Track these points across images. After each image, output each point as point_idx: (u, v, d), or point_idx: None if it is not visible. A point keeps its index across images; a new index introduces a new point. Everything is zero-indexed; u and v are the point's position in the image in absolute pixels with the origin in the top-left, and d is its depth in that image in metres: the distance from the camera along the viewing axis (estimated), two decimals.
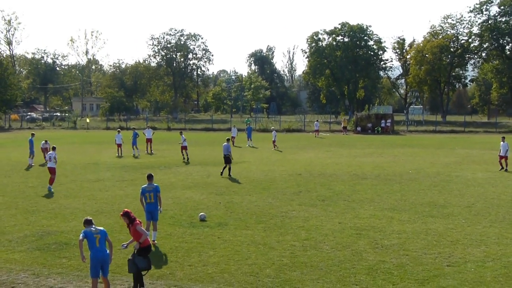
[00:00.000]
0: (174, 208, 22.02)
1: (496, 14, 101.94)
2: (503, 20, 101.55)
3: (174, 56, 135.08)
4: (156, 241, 16.89)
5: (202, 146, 53.98)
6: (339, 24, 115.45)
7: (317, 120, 78.40)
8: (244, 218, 20.41)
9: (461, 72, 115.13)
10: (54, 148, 29.70)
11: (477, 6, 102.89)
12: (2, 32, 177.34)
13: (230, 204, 23.04)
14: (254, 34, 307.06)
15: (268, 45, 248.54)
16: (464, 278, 13.63)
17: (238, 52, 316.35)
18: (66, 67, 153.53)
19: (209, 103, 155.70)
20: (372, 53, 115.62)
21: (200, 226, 19.14)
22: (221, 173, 32.29)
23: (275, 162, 39.21)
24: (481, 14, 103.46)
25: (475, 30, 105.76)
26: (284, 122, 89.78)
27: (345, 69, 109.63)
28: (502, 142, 34.17)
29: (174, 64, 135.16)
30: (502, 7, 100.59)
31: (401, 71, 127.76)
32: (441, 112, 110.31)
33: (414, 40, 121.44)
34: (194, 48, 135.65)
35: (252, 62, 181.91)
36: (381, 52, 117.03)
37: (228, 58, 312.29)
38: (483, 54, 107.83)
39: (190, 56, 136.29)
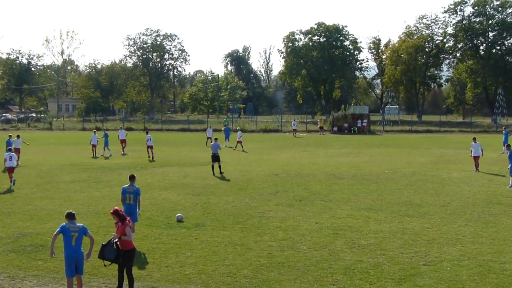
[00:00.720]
0: (151, 209, 21.94)
1: (470, 15, 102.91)
2: (477, 20, 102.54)
3: (150, 56, 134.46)
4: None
5: (179, 146, 53.84)
6: (315, 24, 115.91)
7: (294, 120, 78.59)
8: (221, 218, 20.38)
9: (436, 72, 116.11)
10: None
11: (452, 6, 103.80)
12: None
13: (207, 205, 23.00)
14: (231, 34, 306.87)
15: (245, 45, 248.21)
16: (440, 277, 13.72)
17: (214, 52, 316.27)
18: (41, 68, 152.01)
19: (186, 104, 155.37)
20: (348, 53, 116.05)
21: (177, 227, 19.08)
22: (213, 173, 32.65)
23: (252, 162, 39.23)
24: (455, 15, 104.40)
25: (450, 30, 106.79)
26: (261, 122, 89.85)
27: (321, 69, 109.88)
28: (473, 143, 34.23)
29: (151, 65, 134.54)
30: (476, 8, 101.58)
31: (377, 71, 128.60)
32: (416, 112, 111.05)
33: (389, 40, 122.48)
34: (170, 48, 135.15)
35: (229, 62, 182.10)
36: (357, 52, 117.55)
37: (204, 59, 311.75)
38: (458, 54, 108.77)
39: (166, 56, 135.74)
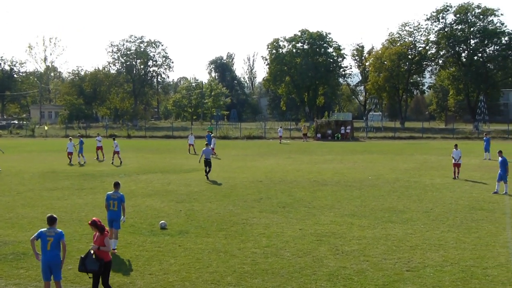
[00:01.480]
0: (135, 216, 21.85)
1: (452, 22, 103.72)
2: (459, 28, 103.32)
3: (134, 63, 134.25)
4: (116, 250, 16.73)
5: (163, 153, 53.69)
6: (299, 31, 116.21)
7: (280, 127, 78.84)
8: (205, 225, 20.35)
9: (418, 79, 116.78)
10: None
11: (434, 14, 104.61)
12: None
13: (190, 212, 22.95)
14: (215, 41, 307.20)
15: (229, 52, 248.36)
16: (423, 283, 13.79)
17: (198, 59, 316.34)
18: (24, 74, 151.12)
19: (170, 111, 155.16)
20: (331, 60, 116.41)
21: (160, 234, 19.03)
22: (207, 177, 33.40)
23: (236, 169, 39.21)
24: (437, 22, 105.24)
25: (432, 37, 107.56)
26: (245, 129, 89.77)
27: (305, 76, 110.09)
28: (454, 150, 34.26)
29: (134, 71, 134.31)
30: (457, 15, 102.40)
31: (360, 78, 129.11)
32: (399, 119, 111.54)
33: (372, 48, 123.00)
34: (154, 55, 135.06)
35: (213, 69, 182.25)
36: (341, 59, 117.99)
37: (188, 65, 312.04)
38: (440, 61, 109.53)
39: (150, 63, 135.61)
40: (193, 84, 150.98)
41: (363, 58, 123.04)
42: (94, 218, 12.78)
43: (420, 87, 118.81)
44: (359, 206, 24.09)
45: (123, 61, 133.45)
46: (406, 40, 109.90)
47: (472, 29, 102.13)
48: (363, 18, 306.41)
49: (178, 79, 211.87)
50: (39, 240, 12.49)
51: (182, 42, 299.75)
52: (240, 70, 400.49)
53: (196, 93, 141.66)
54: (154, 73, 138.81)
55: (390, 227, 19.92)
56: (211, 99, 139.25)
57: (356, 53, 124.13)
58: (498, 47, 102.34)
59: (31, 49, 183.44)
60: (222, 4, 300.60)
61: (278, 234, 18.89)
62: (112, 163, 43.29)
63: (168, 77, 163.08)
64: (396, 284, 13.75)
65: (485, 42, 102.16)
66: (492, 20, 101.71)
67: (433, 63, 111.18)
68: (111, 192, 17.35)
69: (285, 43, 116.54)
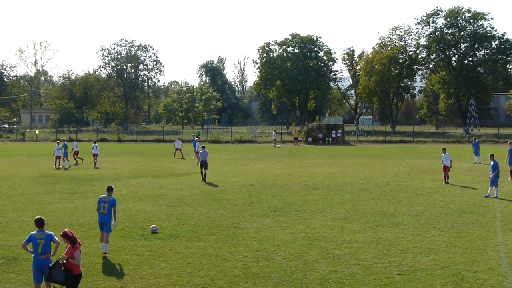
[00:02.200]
0: (125, 221, 21.79)
1: (443, 26, 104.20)
2: (449, 32, 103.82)
3: (124, 67, 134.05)
4: (107, 254, 16.68)
5: (153, 157, 53.61)
6: (290, 35, 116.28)
7: (274, 131, 79.00)
8: (196, 229, 20.32)
9: (409, 83, 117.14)
10: None
11: (424, 18, 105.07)
12: None
13: (181, 216, 22.91)
14: (205, 45, 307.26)
15: (219, 56, 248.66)
16: (414, 286, 13.81)
17: (189, 63, 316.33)
18: (14, 78, 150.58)
19: (160, 114, 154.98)
20: (322, 64, 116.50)
21: (151, 238, 18.98)
22: (203, 179, 34.55)
23: (226, 173, 39.18)
24: (428, 26, 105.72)
25: (423, 41, 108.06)
26: (236, 133, 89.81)
27: (296, 80, 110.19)
28: (443, 154, 34.07)
29: (125, 75, 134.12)
30: (448, 20, 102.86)
31: (351, 82, 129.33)
32: (390, 123, 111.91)
33: (363, 51, 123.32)
34: (145, 59, 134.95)
35: (203, 73, 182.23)
36: (331, 63, 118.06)
37: (179, 69, 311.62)
38: (431, 65, 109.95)
39: (141, 67, 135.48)
40: (184, 88, 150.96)
41: (353, 62, 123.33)
42: (65, 230, 12.41)
43: (411, 91, 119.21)
44: (350, 210, 24.11)
45: (114, 65, 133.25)
46: (397, 44, 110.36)
47: (462, 33, 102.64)
48: (354, 22, 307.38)
49: (169, 83, 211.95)
50: (30, 243, 12.57)
51: (173, 46, 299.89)
52: (231, 74, 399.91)
53: (187, 97, 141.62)
54: (145, 77, 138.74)
55: (381, 230, 19.95)
56: (202, 103, 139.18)
57: (346, 57, 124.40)
58: (488, 51, 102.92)
59: (22, 53, 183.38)
60: (213, 8, 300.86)
61: (269, 238, 18.88)
62: (95, 165, 44.28)
63: (159, 81, 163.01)
64: (387, 287, 13.77)
65: (476, 46, 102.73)
66: (482, 24, 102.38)
67: (423, 67, 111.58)
68: (104, 195, 17.32)
69: (276, 47, 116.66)
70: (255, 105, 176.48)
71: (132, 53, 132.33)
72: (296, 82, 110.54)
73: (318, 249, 17.44)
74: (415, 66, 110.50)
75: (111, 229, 17.17)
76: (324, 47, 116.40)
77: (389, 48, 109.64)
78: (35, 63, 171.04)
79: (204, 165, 35.27)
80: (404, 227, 20.55)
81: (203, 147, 38.40)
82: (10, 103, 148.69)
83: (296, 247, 17.64)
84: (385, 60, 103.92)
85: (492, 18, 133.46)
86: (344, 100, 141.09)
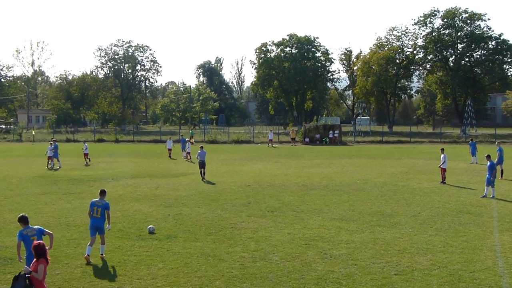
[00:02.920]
0: (123, 221, 21.77)
1: (440, 27, 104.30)
2: (446, 32, 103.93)
3: (122, 67, 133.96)
4: (104, 255, 16.63)
5: (151, 158, 53.60)
6: (287, 35, 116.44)
7: (270, 131, 79.09)
8: (193, 230, 20.31)
9: (406, 83, 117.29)
10: None
11: (421, 18, 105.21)
12: None
13: (179, 216, 22.90)
14: (203, 45, 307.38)
15: (217, 57, 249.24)
16: (411, 286, 13.81)
17: (186, 64, 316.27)
18: (11, 79, 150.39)
19: (158, 115, 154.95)
20: (319, 64, 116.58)
21: (149, 239, 18.96)
22: (202, 178, 35.41)
23: (224, 173, 39.18)
24: (425, 27, 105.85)
25: (420, 42, 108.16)
26: (233, 133, 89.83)
27: (293, 80, 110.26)
28: (442, 154, 34.05)
29: (122, 76, 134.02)
30: (445, 20, 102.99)
31: (348, 82, 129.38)
32: (387, 123, 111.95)
33: (360, 52, 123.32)
34: (142, 59, 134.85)
35: (201, 73, 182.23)
36: (329, 63, 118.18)
37: (176, 70, 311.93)
38: (428, 66, 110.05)
39: (138, 67, 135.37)
40: (181, 88, 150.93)
41: (351, 62, 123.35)
42: (37, 242, 11.77)
43: (408, 91, 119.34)
44: (347, 210, 24.11)
45: (111, 65, 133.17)
46: (394, 44, 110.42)
47: (459, 33, 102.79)
48: (351, 23, 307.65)
49: (166, 83, 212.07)
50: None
51: (170, 46, 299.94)
52: (228, 74, 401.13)
53: (184, 98, 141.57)
54: (142, 78, 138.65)
55: (378, 231, 19.95)
56: (199, 104, 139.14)
57: (344, 57, 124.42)
58: (485, 52, 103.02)
59: (19, 53, 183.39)
60: (210, 8, 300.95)
61: (266, 238, 18.88)
62: (87, 163, 45.78)
63: (156, 81, 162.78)
64: (385, 287, 13.78)
65: (473, 47, 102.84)
66: (479, 24, 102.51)
67: (420, 68, 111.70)
68: (96, 199, 17.03)
69: (273, 48, 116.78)
70: (253, 106, 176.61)
71: (130, 54, 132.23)
72: (293, 83, 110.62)
73: (315, 249, 17.44)
74: (412, 67, 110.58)
75: (104, 231, 16.82)
76: (321, 48, 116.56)
77: (386, 48, 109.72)
78: (32, 64, 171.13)
79: (202, 165, 35.91)
80: (401, 227, 20.56)
81: (201, 147, 38.74)
82: (7, 103, 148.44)
83: (294, 247, 17.64)
84: (382, 60, 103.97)
85: (489, 19, 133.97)
86: (341, 101, 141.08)
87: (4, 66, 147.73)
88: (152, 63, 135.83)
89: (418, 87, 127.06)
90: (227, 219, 22.30)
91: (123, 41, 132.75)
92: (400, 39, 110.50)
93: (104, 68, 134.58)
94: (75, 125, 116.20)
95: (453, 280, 14.28)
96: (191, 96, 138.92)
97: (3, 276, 15.07)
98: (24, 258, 12.88)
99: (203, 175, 35.83)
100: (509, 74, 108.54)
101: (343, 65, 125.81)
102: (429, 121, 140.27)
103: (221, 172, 40.19)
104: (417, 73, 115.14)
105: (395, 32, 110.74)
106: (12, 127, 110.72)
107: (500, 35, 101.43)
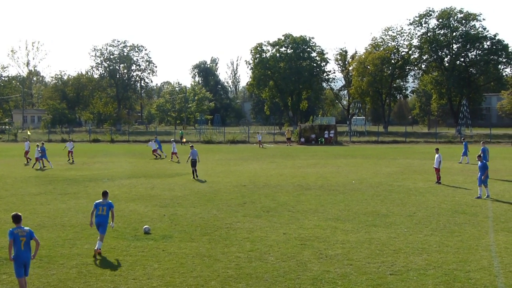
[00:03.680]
0: (118, 221, 21.72)
1: (435, 27, 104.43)
2: (442, 32, 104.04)
3: (117, 67, 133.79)
4: (100, 250, 16.83)
5: (146, 158, 53.51)
6: (283, 35, 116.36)
7: (258, 133, 79.23)
8: (188, 230, 20.30)
9: (402, 83, 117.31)
10: None
11: (417, 19, 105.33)
12: None
13: (174, 216, 22.89)
14: (198, 45, 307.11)
15: (212, 57, 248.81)
16: (406, 286, 13.83)
17: (182, 64, 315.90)
18: (6, 79, 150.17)
19: (153, 115, 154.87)
20: (315, 64, 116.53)
21: (144, 239, 18.95)
22: (193, 177, 36.10)
23: (219, 173, 39.17)
24: (420, 27, 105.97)
25: (415, 42, 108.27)
26: (228, 133, 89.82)
27: (289, 80, 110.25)
28: (436, 154, 34.05)
29: (117, 76, 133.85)
30: (440, 20, 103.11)
31: (344, 82, 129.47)
32: (383, 123, 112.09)
33: (356, 52, 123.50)
34: (137, 59, 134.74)
35: (196, 73, 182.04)
36: (324, 63, 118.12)
37: (171, 70, 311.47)
38: (423, 66, 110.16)
39: (133, 67, 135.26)
40: (177, 88, 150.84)
41: (346, 62, 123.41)
42: None
43: (403, 91, 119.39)
44: (343, 210, 24.13)
45: (106, 65, 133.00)
46: (389, 44, 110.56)
47: (454, 33, 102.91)
48: (347, 23, 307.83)
49: (161, 83, 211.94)
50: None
51: (166, 46, 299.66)
52: (223, 74, 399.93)
53: (179, 98, 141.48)
54: (137, 78, 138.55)
55: (373, 231, 19.97)
56: (194, 104, 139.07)
57: (339, 57, 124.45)
58: (480, 52, 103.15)
59: (14, 53, 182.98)
60: (206, 8, 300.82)
61: (262, 239, 18.88)
62: (71, 161, 46.79)
63: (151, 81, 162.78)
64: (380, 287, 13.79)
65: (468, 47, 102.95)
66: (474, 25, 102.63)
67: (416, 68, 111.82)
68: (100, 200, 17.49)
69: (269, 48, 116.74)
70: (248, 106, 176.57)
71: (125, 54, 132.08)
72: (288, 83, 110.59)
73: (311, 249, 17.45)
74: (407, 67, 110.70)
75: (105, 231, 17.22)
76: (316, 48, 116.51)
77: (381, 48, 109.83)
78: (27, 64, 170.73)
79: (194, 163, 36.65)
80: (397, 227, 20.59)
81: (192, 146, 39.34)
82: (2, 103, 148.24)
83: (289, 248, 17.65)
84: (378, 60, 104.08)
85: (484, 19, 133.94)
86: (336, 101, 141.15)
87: None
88: (147, 63, 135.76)
89: (413, 87, 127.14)
90: (222, 219, 22.30)
91: (119, 41, 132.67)
92: (396, 39, 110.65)
93: (99, 68, 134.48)
94: (71, 125, 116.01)
95: (448, 280, 14.31)
96: (187, 96, 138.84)
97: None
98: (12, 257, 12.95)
99: (195, 173, 36.33)
100: (504, 74, 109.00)
101: (339, 65, 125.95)
102: (424, 121, 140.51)
103: (216, 172, 40.18)
104: (412, 73, 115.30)
105: (390, 32, 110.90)
106: (7, 127, 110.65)
107: (495, 35, 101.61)
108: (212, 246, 17.97)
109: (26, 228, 12.93)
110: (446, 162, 35.64)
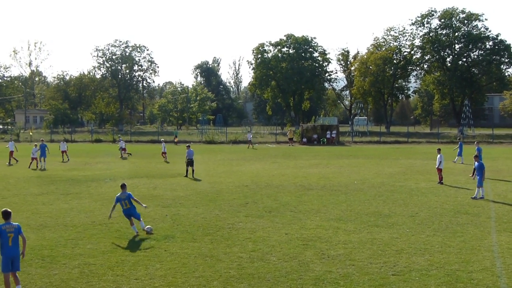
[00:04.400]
0: (120, 221, 21.72)
1: (437, 27, 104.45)
2: (444, 32, 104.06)
3: (119, 67, 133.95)
4: (145, 228, 19.65)
5: (148, 158, 53.52)
6: (285, 35, 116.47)
7: (249, 132, 79.17)
8: (191, 230, 20.28)
9: (404, 83, 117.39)
10: None
11: (419, 19, 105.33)
12: None
13: (176, 217, 22.88)
14: (200, 45, 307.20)
15: (214, 57, 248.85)
16: (409, 287, 13.80)
17: (184, 64, 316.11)
18: (8, 79, 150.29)
19: (155, 115, 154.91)
20: (317, 64, 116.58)
21: (146, 239, 18.95)
22: (186, 175, 36.94)
23: (221, 173, 39.16)
24: (422, 27, 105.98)
25: (417, 42, 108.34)
26: (230, 133, 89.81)
27: (291, 80, 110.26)
28: (438, 155, 33.96)
29: (119, 76, 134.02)
30: (442, 20, 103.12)
31: (346, 82, 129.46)
32: (385, 123, 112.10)
33: (358, 52, 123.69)
34: (139, 59, 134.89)
35: (198, 73, 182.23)
36: (326, 63, 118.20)
37: (173, 70, 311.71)
38: (425, 66, 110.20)
39: (135, 67, 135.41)
40: (179, 88, 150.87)
41: (348, 62, 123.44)
42: None
43: (405, 91, 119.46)
44: (345, 211, 24.10)
45: (108, 65, 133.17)
46: (391, 44, 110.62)
47: (456, 34, 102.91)
48: (349, 23, 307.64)
49: (163, 83, 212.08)
50: None
51: (168, 46, 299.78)
52: (225, 74, 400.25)
53: (181, 98, 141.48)
54: (139, 78, 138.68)
55: (375, 231, 19.94)
56: (196, 104, 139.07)
57: (341, 57, 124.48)
58: (482, 52, 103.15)
59: (16, 53, 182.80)
60: (208, 9, 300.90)
61: (264, 239, 18.86)
62: (66, 160, 47.92)
63: (153, 81, 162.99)
64: None
65: (470, 47, 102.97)
66: (477, 25, 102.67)
67: (418, 68, 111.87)
68: (119, 193, 19.76)
69: (271, 48, 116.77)
70: (250, 106, 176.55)
71: (127, 54, 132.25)
72: (290, 83, 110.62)
73: (313, 249, 17.43)
74: (409, 67, 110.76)
75: (139, 215, 19.72)
76: (318, 48, 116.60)
77: (383, 48, 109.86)
78: (30, 64, 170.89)
79: (190, 163, 37.09)
80: (399, 227, 20.56)
81: (188, 146, 39.81)
82: (4, 103, 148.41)
83: (291, 248, 17.63)
84: (380, 60, 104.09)
85: (486, 19, 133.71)
86: (338, 101, 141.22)
87: (1, 67, 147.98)
88: (149, 63, 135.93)
89: (415, 87, 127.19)
90: (224, 219, 22.29)
91: (121, 42, 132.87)
92: (398, 39, 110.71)
93: (102, 69, 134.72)
94: (73, 125, 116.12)
95: (450, 280, 14.28)
96: (189, 96, 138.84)
97: None
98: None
99: (192, 173, 36.86)
100: (506, 74, 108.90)
101: (341, 65, 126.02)
102: (426, 121, 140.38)
103: (218, 172, 40.17)
104: (414, 73, 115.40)
105: (392, 32, 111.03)
106: (9, 127, 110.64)
107: (497, 36, 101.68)
108: (214, 246, 17.96)
109: (15, 223, 13.12)
110: (448, 162, 35.54)
